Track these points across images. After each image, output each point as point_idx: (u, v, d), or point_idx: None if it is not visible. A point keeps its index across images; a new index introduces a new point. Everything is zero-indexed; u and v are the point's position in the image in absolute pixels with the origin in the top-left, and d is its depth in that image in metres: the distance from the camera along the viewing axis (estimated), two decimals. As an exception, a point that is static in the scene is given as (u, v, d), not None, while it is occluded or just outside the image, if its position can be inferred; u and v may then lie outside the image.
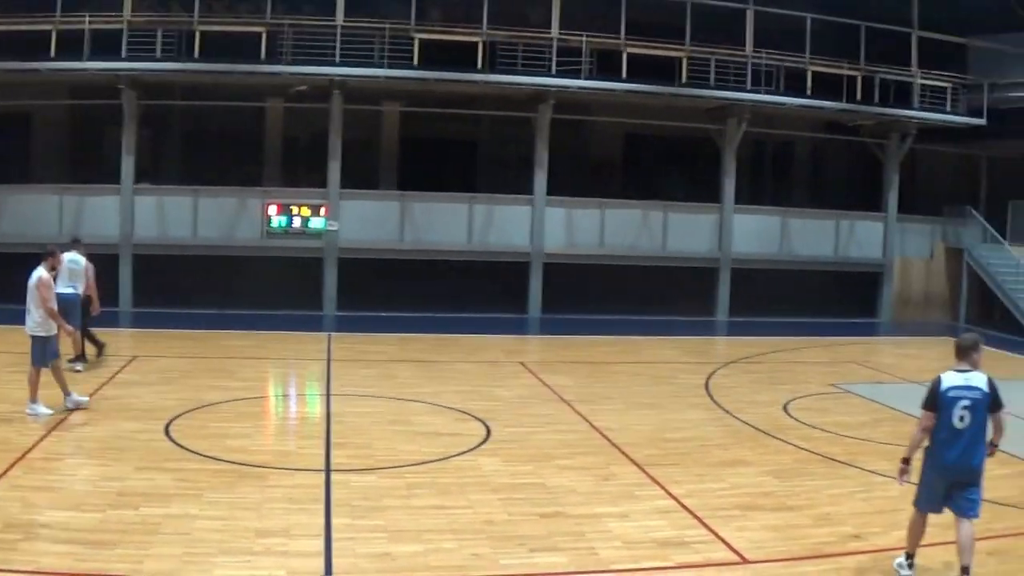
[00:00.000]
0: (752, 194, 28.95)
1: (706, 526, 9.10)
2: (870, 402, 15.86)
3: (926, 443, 8.14)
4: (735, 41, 24.88)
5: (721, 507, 9.73)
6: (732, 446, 12.41)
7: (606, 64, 23.84)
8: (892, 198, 28.31)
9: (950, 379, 8.08)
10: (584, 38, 23.49)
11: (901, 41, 26.68)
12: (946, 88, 27.07)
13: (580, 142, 28.36)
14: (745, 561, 8.27)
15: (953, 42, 27.56)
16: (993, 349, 22.74)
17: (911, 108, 26.69)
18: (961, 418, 7.96)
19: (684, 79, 24.11)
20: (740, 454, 12.00)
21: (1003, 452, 10.83)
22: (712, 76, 24.25)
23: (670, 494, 10.06)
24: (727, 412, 14.48)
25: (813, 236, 27.73)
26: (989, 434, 8.09)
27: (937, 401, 8.05)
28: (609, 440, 12.28)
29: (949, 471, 8.04)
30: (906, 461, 8.18)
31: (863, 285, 28.64)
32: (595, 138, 28.61)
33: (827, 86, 25.81)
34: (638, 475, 10.73)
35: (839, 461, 11.83)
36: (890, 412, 15.16)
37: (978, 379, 8.05)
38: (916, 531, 8.22)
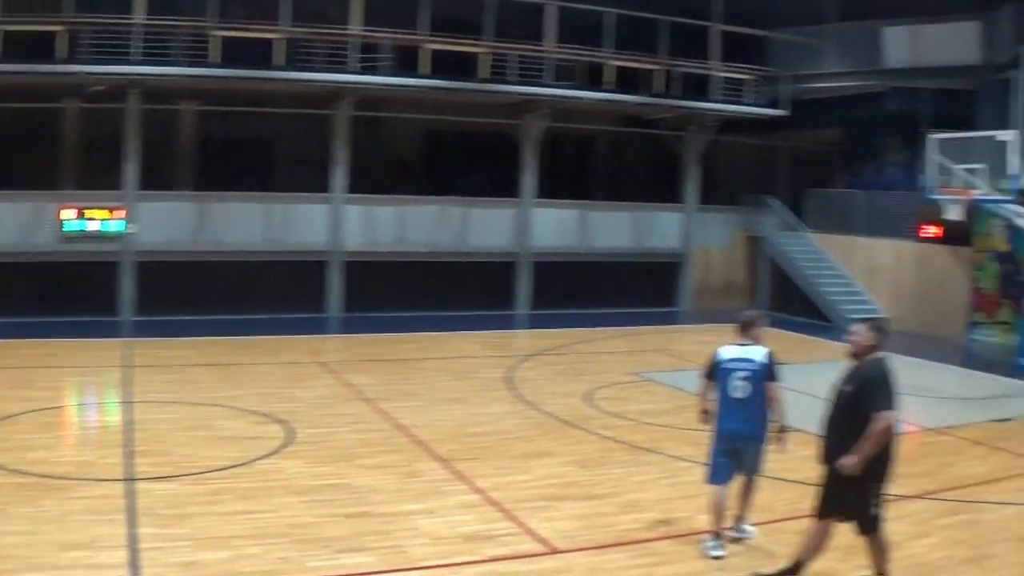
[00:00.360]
0: (552, 188, 29.31)
1: (513, 518, 9.16)
2: (672, 389, 16.25)
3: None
4: (536, 36, 25.05)
5: (527, 499, 9.81)
6: (536, 438, 12.52)
7: (407, 60, 23.68)
8: (691, 189, 28.97)
9: (728, 351, 8.71)
10: (385, 35, 23.27)
11: (701, 35, 27.22)
12: (746, 80, 27.82)
13: (380, 139, 28.14)
14: (554, 551, 8.36)
15: (753, 35, 28.36)
16: (793, 334, 23.84)
17: (710, 101, 27.32)
18: (737, 388, 8.57)
19: (485, 75, 24.17)
20: (544, 445, 12.12)
21: (806, 432, 11.33)
22: (513, 71, 24.37)
23: (476, 488, 10.10)
24: (530, 404, 14.59)
25: (612, 228, 28.11)
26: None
27: (715, 371, 8.73)
28: (413, 437, 12.23)
29: (729, 438, 8.67)
30: (705, 411, 9.03)
31: (663, 275, 29.31)
32: (395, 135, 28.42)
33: (627, 80, 26.20)
34: (443, 471, 10.73)
35: (643, 448, 12.10)
36: (692, 399, 15.33)
37: (756, 352, 8.64)
38: (717, 510, 8.59)
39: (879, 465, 7.56)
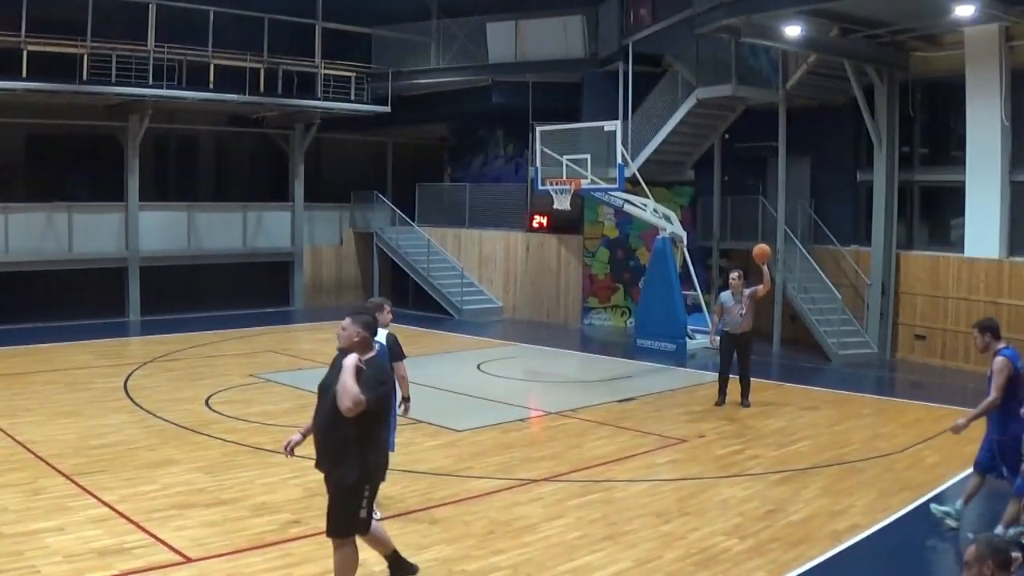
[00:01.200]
0: (158, 190, 28.62)
1: (144, 530, 9.00)
2: (292, 389, 16.39)
3: None
4: (137, 36, 24.30)
5: (156, 509, 9.66)
6: (159, 446, 12.28)
7: (5, 63, 22.27)
8: (299, 187, 29.15)
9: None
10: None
11: (306, 32, 27.37)
12: (350, 77, 28.17)
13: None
14: (188, 560, 8.30)
15: (358, 32, 28.85)
16: (411, 327, 24.39)
17: (315, 98, 27.47)
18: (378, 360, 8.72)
19: (85, 76, 23.17)
20: (168, 454, 11.91)
21: (431, 424, 11.86)
22: (113, 72, 23.52)
23: (103, 502, 9.80)
24: (150, 413, 14.27)
25: (221, 229, 27.84)
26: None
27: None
28: (34, 453, 11.67)
29: None
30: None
31: (274, 274, 29.33)
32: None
33: (231, 79, 25.94)
34: (68, 486, 10.34)
35: (267, 450, 12.17)
36: (313, 397, 15.71)
37: (380, 335, 8.83)
38: None
39: (374, 471, 7.14)
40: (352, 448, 6.94)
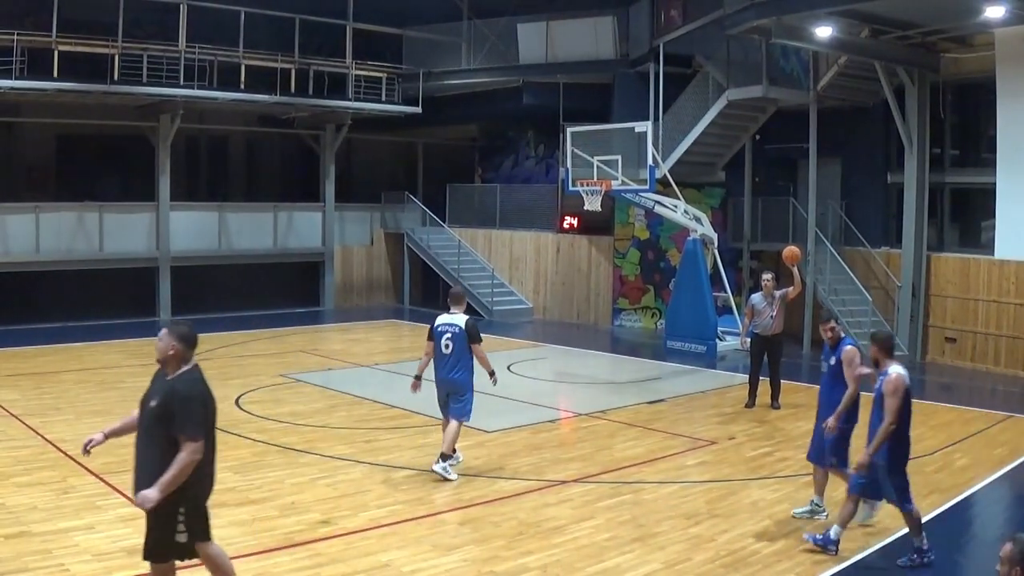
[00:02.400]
0: (189, 190, 28.82)
1: (173, 529, 9.08)
2: (322, 389, 16.48)
3: None
4: (168, 36, 24.46)
5: (186, 508, 9.74)
6: (191, 446, 12.38)
7: (37, 63, 22.45)
8: (329, 188, 29.20)
9: (441, 318, 11.39)
10: (15, 37, 21.95)
11: (337, 33, 27.44)
12: (381, 78, 28.19)
13: (11, 144, 26.62)
14: (218, 559, 8.34)
15: (388, 33, 28.93)
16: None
17: (346, 99, 27.49)
18: (446, 345, 11.15)
19: (116, 76, 23.31)
20: (197, 452, 12.01)
21: (468, 427, 11.92)
22: (144, 72, 23.66)
23: (132, 501, 9.89)
24: (181, 412, 14.38)
25: (251, 229, 27.95)
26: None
27: (431, 333, 11.31)
28: (63, 452, 11.77)
29: (441, 384, 11.30)
30: (417, 378, 11.46)
31: (305, 275, 29.44)
32: (27, 140, 26.97)
33: (262, 80, 26.04)
34: (98, 485, 10.43)
35: (297, 450, 12.25)
36: (343, 397, 15.88)
37: (460, 319, 11.22)
38: (451, 438, 11.18)
39: (188, 490, 6.61)
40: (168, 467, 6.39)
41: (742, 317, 18.28)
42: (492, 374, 11.43)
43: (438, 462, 11.15)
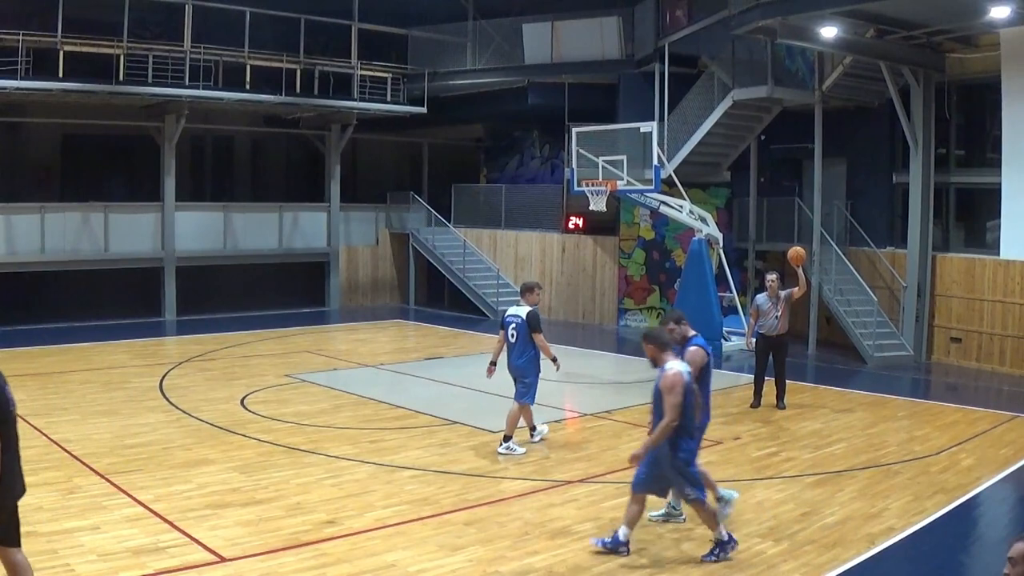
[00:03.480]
0: (194, 191, 28.84)
1: (179, 529, 9.07)
2: (327, 389, 16.47)
3: None
4: (174, 36, 24.47)
5: (191, 508, 9.73)
6: (194, 446, 12.38)
7: (42, 63, 22.48)
8: (335, 188, 29.20)
9: (510, 309, 12.68)
10: (20, 37, 21.98)
11: (342, 33, 27.41)
12: (387, 78, 28.16)
13: (16, 145, 26.66)
14: (223, 559, 8.35)
15: (394, 33, 28.91)
16: (444, 328, 24.64)
17: (351, 99, 27.47)
18: (512, 334, 12.42)
19: (121, 77, 23.34)
20: (203, 453, 12.01)
21: (466, 425, 11.87)
22: (150, 73, 23.68)
23: (138, 501, 9.89)
24: (185, 412, 14.38)
25: (257, 229, 27.94)
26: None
27: (502, 323, 12.62)
28: (69, 452, 11.78)
29: (509, 370, 12.50)
30: (492, 364, 12.61)
31: (310, 275, 29.46)
32: (32, 140, 27.00)
33: (267, 80, 26.03)
34: (103, 485, 10.43)
35: (302, 450, 12.25)
36: (348, 397, 15.88)
37: (523, 310, 12.43)
38: (513, 420, 12.48)
39: None
40: None
41: (747, 318, 18.25)
42: (555, 360, 12.62)
43: (501, 444, 12.43)
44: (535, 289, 12.78)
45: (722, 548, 8.67)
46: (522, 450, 12.46)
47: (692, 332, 9.91)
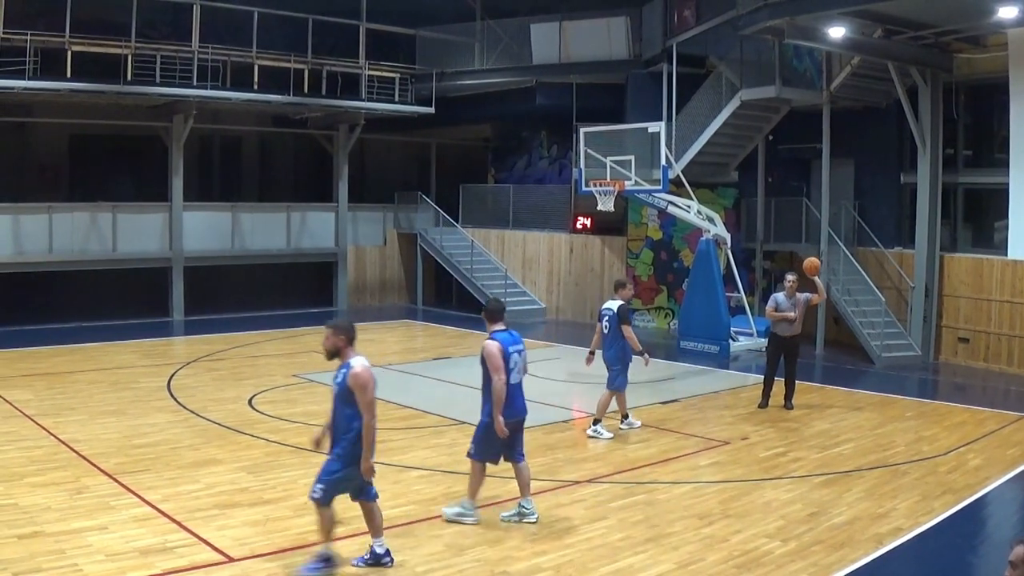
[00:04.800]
0: (202, 191, 28.86)
1: (187, 529, 9.09)
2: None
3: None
4: (182, 36, 24.50)
5: (199, 508, 9.75)
6: (202, 446, 12.40)
7: (50, 63, 22.50)
8: (343, 188, 29.20)
9: (606, 303, 13.90)
10: (28, 37, 22.01)
11: (350, 33, 27.39)
12: (394, 78, 28.15)
13: (24, 145, 26.71)
14: (231, 559, 8.37)
15: (402, 33, 28.91)
16: (452, 328, 24.63)
17: (359, 99, 27.46)
18: (605, 327, 13.60)
19: (129, 77, 23.36)
20: (211, 453, 12.03)
21: (474, 425, 11.87)
22: (158, 73, 23.70)
23: (146, 501, 9.92)
24: (193, 412, 14.40)
25: (265, 229, 27.96)
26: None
27: (599, 315, 13.86)
28: (77, 452, 11.80)
29: (603, 358, 13.68)
30: (591, 353, 13.81)
31: (318, 275, 29.47)
32: (40, 140, 27.04)
33: (275, 80, 26.03)
34: (111, 485, 10.45)
35: (310, 450, 12.17)
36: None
37: (615, 304, 13.61)
38: (602, 405, 13.62)
39: None
40: None
41: (757, 317, 18.25)
42: (642, 353, 13.55)
43: (590, 427, 13.51)
44: (627, 285, 14.15)
45: (325, 561, 8.18)
46: (609, 434, 13.43)
47: (499, 326, 9.81)
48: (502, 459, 9.75)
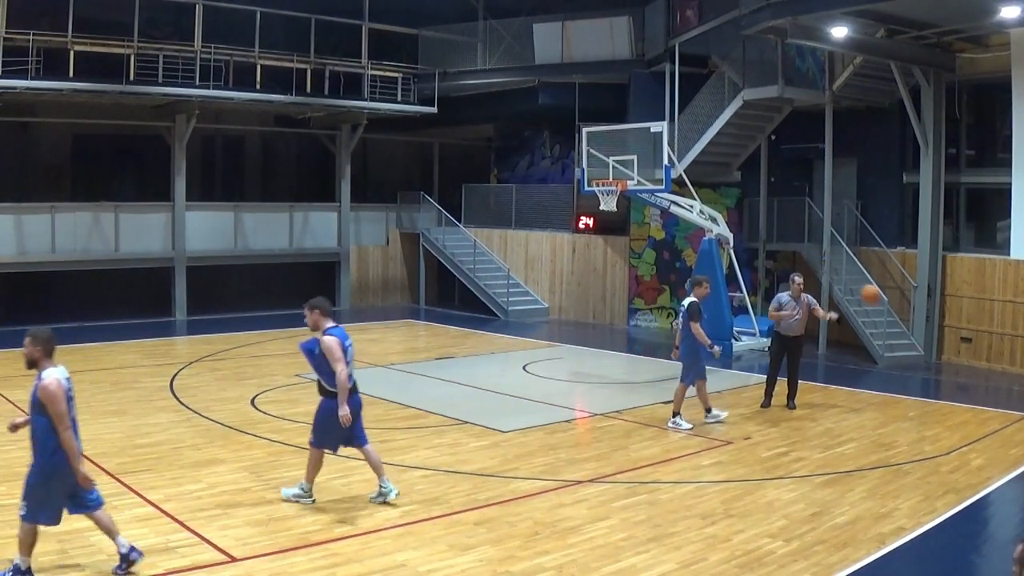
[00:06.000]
0: (204, 190, 28.87)
1: (189, 529, 9.09)
2: (335, 389, 16.47)
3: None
4: (184, 36, 24.51)
5: (201, 508, 9.76)
6: (205, 446, 12.40)
7: (53, 63, 22.51)
8: (345, 188, 29.22)
9: (685, 300, 14.29)
10: (31, 37, 22.01)
11: (353, 33, 27.41)
12: (397, 78, 28.15)
13: (27, 144, 26.73)
14: (233, 559, 8.37)
15: (404, 33, 28.91)
16: (455, 328, 24.63)
17: (361, 99, 27.48)
18: (679, 323, 14.27)
19: (132, 77, 23.37)
20: (213, 453, 12.03)
21: (477, 425, 11.86)
22: (160, 72, 23.70)
23: (148, 501, 9.92)
24: (195, 412, 14.41)
25: (267, 229, 27.97)
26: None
27: (677, 312, 15.27)
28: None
29: (680, 353, 14.31)
30: (676, 347, 14.44)
31: (321, 275, 29.43)
32: (43, 140, 27.06)
33: (278, 79, 26.03)
34: (113, 485, 10.42)
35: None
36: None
37: (687, 301, 14.17)
38: (678, 397, 14.22)
39: None
40: None
41: (760, 317, 18.26)
42: (711, 347, 14.20)
43: (670, 419, 14.08)
44: (703, 283, 14.57)
45: (127, 561, 7.97)
46: (688, 425, 13.96)
47: (330, 323, 10.32)
48: (342, 447, 10.29)
